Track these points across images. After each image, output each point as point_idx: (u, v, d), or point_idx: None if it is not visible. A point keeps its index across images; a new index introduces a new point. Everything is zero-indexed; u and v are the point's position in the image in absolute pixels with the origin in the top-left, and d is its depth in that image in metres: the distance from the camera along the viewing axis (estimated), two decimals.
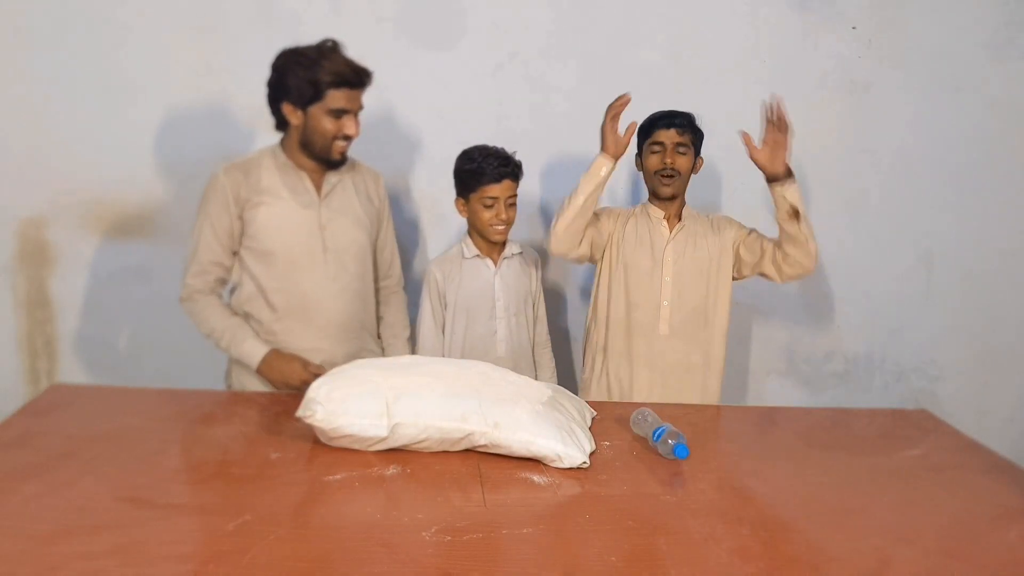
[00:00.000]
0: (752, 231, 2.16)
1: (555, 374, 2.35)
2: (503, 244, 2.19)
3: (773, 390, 2.85)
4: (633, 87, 2.59)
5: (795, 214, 1.95)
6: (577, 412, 1.63)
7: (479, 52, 2.56)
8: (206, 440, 1.54)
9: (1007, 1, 2.64)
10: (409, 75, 2.56)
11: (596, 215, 2.12)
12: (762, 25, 2.61)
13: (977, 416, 2.83)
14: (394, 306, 2.19)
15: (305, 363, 1.89)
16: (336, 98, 1.82)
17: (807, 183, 2.72)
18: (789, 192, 1.95)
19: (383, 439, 1.45)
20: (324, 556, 1.14)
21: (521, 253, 2.24)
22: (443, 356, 2.17)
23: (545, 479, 1.42)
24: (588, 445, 1.52)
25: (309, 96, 1.82)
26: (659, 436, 1.53)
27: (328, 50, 1.83)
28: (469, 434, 1.46)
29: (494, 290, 2.16)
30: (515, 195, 2.12)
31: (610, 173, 1.97)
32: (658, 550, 1.21)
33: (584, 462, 1.46)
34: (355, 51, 2.56)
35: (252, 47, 2.51)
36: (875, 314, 2.82)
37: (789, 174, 1.96)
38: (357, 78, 1.84)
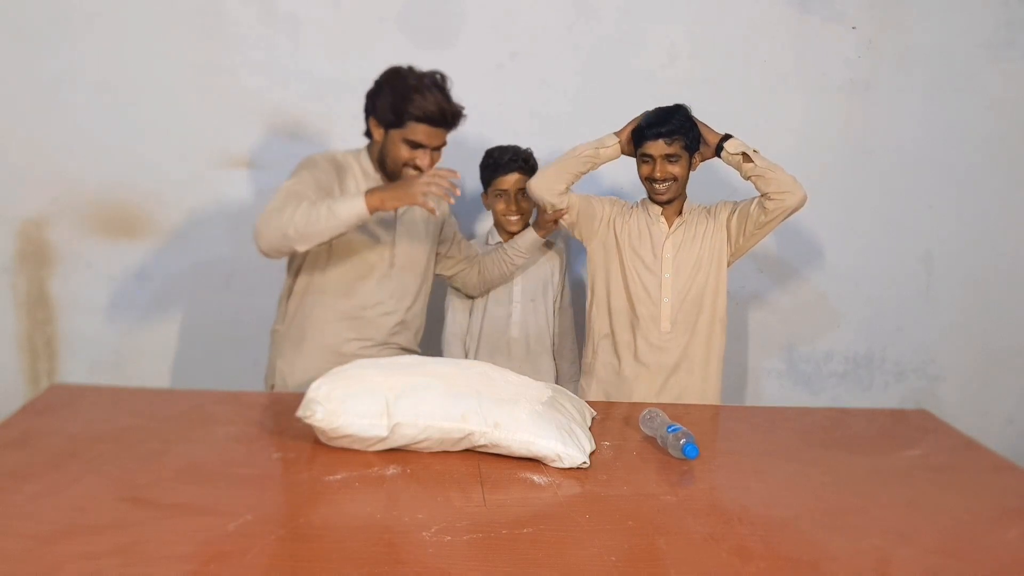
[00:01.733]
0: (743, 201, 2.17)
1: (576, 363, 2.40)
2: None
3: (773, 390, 2.85)
4: (633, 87, 2.61)
5: (747, 158, 2.03)
6: (577, 412, 1.63)
7: (479, 52, 2.56)
8: (206, 440, 1.54)
9: (1007, 1, 2.64)
10: None
11: (599, 199, 2.19)
12: (762, 25, 2.61)
13: (977, 416, 2.83)
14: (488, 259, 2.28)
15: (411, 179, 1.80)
16: (416, 131, 1.84)
17: (807, 183, 2.71)
18: (731, 147, 2.04)
19: (383, 439, 1.45)
20: (324, 557, 1.14)
21: (544, 243, 2.31)
22: (466, 334, 2.32)
23: (545, 479, 1.42)
24: (588, 445, 1.52)
25: (392, 121, 1.85)
26: (673, 432, 1.53)
27: (428, 84, 1.83)
28: (469, 434, 1.46)
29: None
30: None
31: (613, 155, 2.08)
32: (658, 550, 1.21)
33: (584, 462, 1.46)
34: (355, 51, 2.57)
35: (253, 47, 2.52)
36: (875, 314, 2.82)
37: (725, 138, 2.06)
38: (443, 119, 1.85)
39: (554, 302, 2.39)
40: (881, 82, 2.66)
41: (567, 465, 1.45)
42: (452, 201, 1.79)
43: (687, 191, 2.17)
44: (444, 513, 1.27)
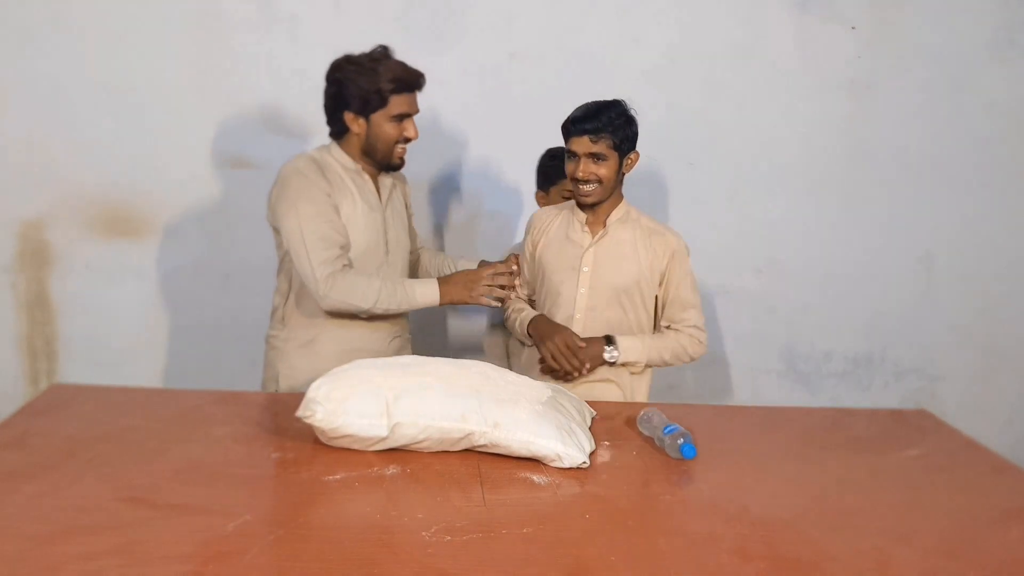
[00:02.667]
0: (679, 290, 1.96)
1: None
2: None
3: (773, 390, 2.85)
4: (632, 87, 2.60)
5: (643, 367, 1.94)
6: (577, 412, 1.63)
7: (479, 52, 2.57)
8: (206, 440, 1.54)
9: (1007, 1, 2.64)
10: None
11: (524, 248, 2.07)
12: (762, 25, 2.61)
13: (977, 416, 2.83)
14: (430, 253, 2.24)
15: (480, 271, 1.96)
16: (399, 103, 1.85)
17: (808, 183, 2.72)
18: (622, 359, 1.90)
19: (383, 439, 1.45)
20: (324, 556, 1.14)
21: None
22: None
23: (545, 479, 1.42)
24: (588, 445, 1.52)
25: (374, 104, 1.85)
26: (669, 433, 1.53)
27: (382, 56, 1.85)
28: (469, 434, 1.46)
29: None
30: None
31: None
32: (658, 550, 1.21)
33: (584, 462, 1.46)
34: (355, 50, 2.56)
35: (253, 47, 2.52)
36: (875, 314, 2.82)
37: (610, 342, 1.90)
38: (416, 81, 1.88)
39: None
40: (881, 82, 2.66)
41: (567, 465, 1.45)
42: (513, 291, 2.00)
43: (634, 204, 2.02)
44: (444, 513, 1.27)
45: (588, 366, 1.89)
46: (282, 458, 1.46)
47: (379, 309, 1.88)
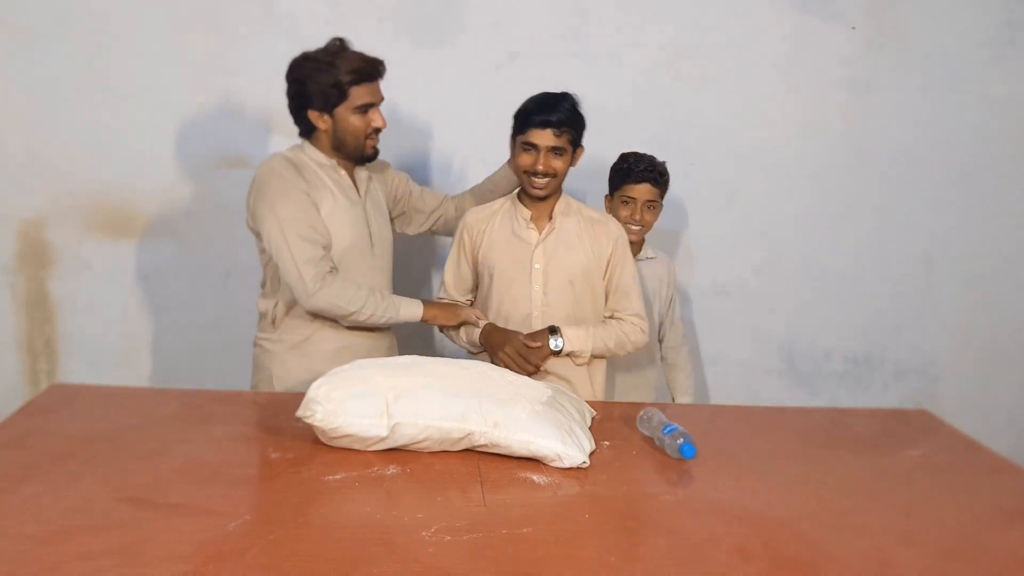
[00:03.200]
0: (621, 279, 1.99)
1: (691, 376, 2.36)
2: (638, 245, 2.24)
3: (772, 390, 2.85)
4: (632, 87, 2.61)
5: (589, 357, 1.95)
6: (577, 412, 1.63)
7: (479, 52, 2.56)
8: (206, 440, 1.54)
9: (1007, 1, 2.64)
10: (409, 75, 2.55)
11: (459, 254, 2.04)
12: (762, 25, 2.61)
13: (977, 416, 2.83)
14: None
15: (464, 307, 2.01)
16: (360, 94, 1.84)
17: (808, 183, 2.72)
18: (567, 349, 1.91)
19: (383, 439, 1.45)
20: (324, 556, 1.14)
21: (654, 258, 2.28)
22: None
23: (545, 479, 1.42)
24: (588, 445, 1.52)
25: (335, 99, 1.84)
26: (669, 434, 1.53)
27: (339, 49, 1.85)
28: (469, 434, 1.46)
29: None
30: (655, 200, 2.18)
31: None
32: (658, 550, 1.21)
33: (584, 462, 1.46)
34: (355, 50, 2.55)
35: (253, 47, 2.52)
36: (875, 314, 2.82)
37: (554, 332, 1.91)
38: (375, 70, 1.87)
39: (659, 315, 2.29)
40: (881, 82, 2.66)
41: (567, 465, 1.45)
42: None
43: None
44: (444, 513, 1.27)
45: (542, 366, 1.91)
46: (282, 458, 1.46)
47: (363, 315, 1.87)
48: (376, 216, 2.01)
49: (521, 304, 1.96)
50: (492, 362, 1.91)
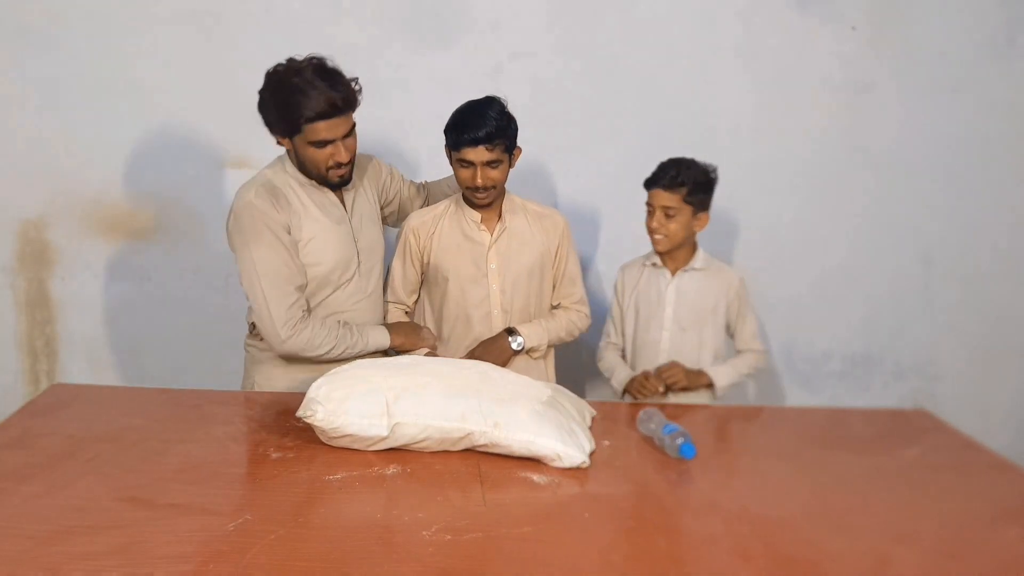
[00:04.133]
0: (567, 268, 2.06)
1: (738, 373, 2.06)
2: (690, 253, 2.05)
3: (772, 390, 2.85)
4: (632, 87, 2.61)
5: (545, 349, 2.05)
6: (577, 412, 1.63)
7: (479, 52, 2.56)
8: (206, 440, 1.54)
9: (1007, 1, 2.64)
10: (409, 75, 2.56)
11: (405, 256, 2.03)
12: (762, 25, 2.61)
13: (977, 416, 2.83)
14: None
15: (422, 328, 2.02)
16: (316, 131, 1.72)
17: (807, 183, 2.72)
18: (527, 345, 1.99)
19: (383, 438, 1.45)
20: (324, 556, 1.14)
21: (702, 270, 2.05)
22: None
23: (545, 479, 1.42)
24: (588, 445, 1.52)
25: (289, 130, 1.75)
26: (669, 433, 1.53)
27: (310, 79, 1.69)
28: (469, 434, 1.46)
29: (664, 299, 2.05)
30: (671, 206, 1.96)
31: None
32: (658, 550, 1.21)
33: (584, 462, 1.46)
34: (355, 50, 2.56)
35: (253, 47, 2.51)
36: (875, 314, 2.82)
37: (511, 332, 1.99)
38: (337, 108, 1.72)
39: (713, 334, 2.06)
40: (881, 82, 2.66)
41: (567, 465, 1.45)
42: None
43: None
44: (444, 513, 1.27)
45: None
46: (282, 458, 1.46)
47: (334, 355, 1.83)
48: (365, 229, 1.94)
49: (480, 304, 2.00)
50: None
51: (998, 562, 1.21)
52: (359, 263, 1.92)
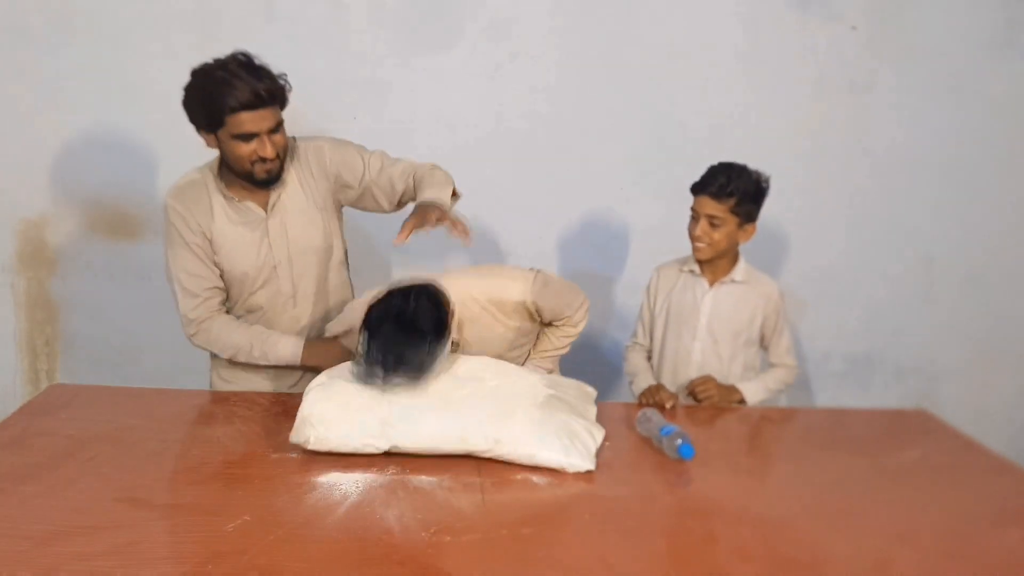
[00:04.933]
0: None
1: (766, 388, 2.01)
2: (731, 264, 1.98)
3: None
4: (632, 87, 2.61)
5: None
6: (578, 402, 1.61)
7: (479, 52, 2.56)
8: (206, 440, 1.54)
9: (1007, 1, 2.64)
10: (409, 75, 2.56)
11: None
12: (761, 25, 2.61)
13: (976, 416, 2.83)
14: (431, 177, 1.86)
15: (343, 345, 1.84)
16: (239, 122, 1.68)
17: (808, 183, 2.72)
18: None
19: (382, 452, 1.45)
20: (324, 556, 1.14)
21: (741, 283, 1.97)
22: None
23: (545, 479, 1.42)
24: (592, 442, 1.49)
25: (212, 123, 1.71)
26: (667, 434, 1.53)
27: (233, 71, 1.67)
28: (470, 452, 1.45)
29: (700, 309, 1.99)
30: (716, 215, 1.88)
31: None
32: (658, 550, 1.21)
33: (589, 469, 1.44)
34: (355, 51, 2.56)
35: (253, 48, 2.50)
36: (875, 314, 2.82)
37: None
38: (261, 100, 1.67)
39: (745, 347, 2.01)
40: (881, 82, 2.66)
41: (572, 472, 1.43)
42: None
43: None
44: (444, 513, 1.27)
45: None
46: (282, 458, 1.46)
47: (240, 359, 1.85)
48: (289, 230, 1.84)
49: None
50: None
51: (998, 562, 1.21)
52: (275, 266, 1.84)
